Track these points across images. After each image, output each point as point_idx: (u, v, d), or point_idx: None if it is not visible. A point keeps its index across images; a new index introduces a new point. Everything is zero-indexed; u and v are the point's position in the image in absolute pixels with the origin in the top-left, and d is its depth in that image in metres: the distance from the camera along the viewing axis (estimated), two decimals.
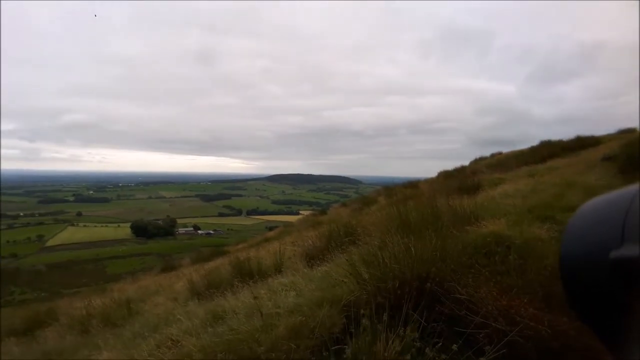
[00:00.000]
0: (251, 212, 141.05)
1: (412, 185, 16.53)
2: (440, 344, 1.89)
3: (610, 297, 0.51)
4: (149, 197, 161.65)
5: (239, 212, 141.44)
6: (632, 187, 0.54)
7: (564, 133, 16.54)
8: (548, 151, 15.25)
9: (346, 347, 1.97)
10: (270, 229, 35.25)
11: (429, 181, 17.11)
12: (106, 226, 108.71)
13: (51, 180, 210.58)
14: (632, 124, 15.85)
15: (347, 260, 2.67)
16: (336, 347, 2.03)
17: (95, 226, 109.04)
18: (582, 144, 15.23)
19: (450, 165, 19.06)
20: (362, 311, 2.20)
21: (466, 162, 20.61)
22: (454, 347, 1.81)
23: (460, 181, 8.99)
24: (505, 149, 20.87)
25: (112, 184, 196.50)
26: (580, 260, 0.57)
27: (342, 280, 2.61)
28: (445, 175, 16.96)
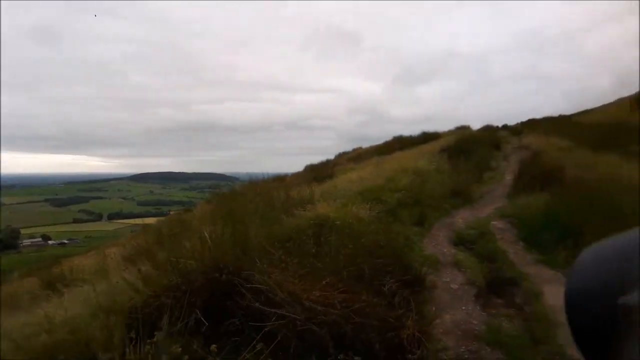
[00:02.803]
0: (113, 216, 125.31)
1: (279, 178, 16.71)
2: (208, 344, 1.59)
3: (617, 341, 0.49)
4: None
5: (99, 217, 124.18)
6: (637, 232, 0.52)
7: (422, 130, 19.96)
8: (399, 144, 18.05)
9: None
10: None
11: (296, 175, 17.56)
12: None
13: None
14: (469, 122, 19.31)
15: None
16: None
17: None
18: (427, 138, 18.29)
19: (323, 160, 20.38)
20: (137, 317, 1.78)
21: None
22: (213, 347, 1.54)
23: (317, 172, 9.25)
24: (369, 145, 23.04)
25: None
26: (587, 303, 0.55)
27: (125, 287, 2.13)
28: (310, 169, 17.81)
